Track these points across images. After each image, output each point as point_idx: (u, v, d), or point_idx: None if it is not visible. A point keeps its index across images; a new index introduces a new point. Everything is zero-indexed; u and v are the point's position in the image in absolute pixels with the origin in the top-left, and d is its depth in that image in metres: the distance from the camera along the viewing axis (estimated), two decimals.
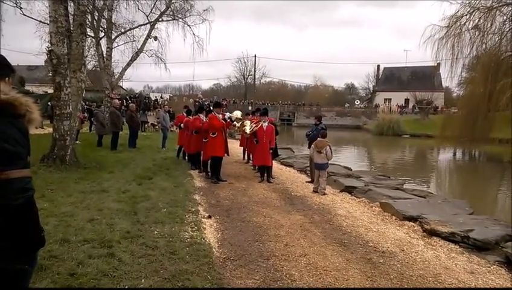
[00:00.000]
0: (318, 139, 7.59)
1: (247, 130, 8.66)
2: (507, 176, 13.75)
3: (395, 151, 24.95)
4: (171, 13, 19.52)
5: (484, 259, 4.22)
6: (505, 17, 17.36)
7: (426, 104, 43.57)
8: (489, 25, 17.43)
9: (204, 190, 7.20)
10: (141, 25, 19.62)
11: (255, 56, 51.84)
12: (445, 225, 5.03)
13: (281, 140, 13.52)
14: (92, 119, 17.61)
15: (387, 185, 8.38)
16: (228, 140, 8.71)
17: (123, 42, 20.26)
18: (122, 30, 19.65)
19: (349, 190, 7.65)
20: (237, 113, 8.88)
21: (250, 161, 10.43)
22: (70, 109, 8.40)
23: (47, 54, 8.76)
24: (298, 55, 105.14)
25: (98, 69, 20.26)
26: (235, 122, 8.59)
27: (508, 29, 17.29)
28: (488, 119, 17.57)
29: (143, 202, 5.72)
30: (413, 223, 5.47)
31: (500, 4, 17.36)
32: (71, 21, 8.56)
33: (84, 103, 18.58)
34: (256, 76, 57.44)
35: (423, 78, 50.49)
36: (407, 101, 49.81)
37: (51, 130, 9.52)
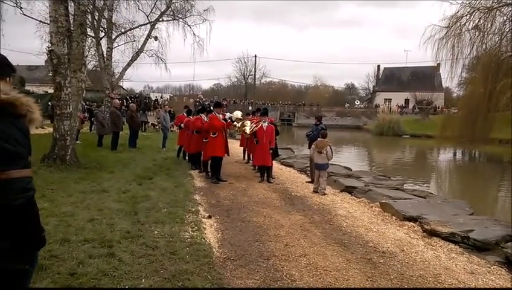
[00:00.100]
0: (318, 139, 7.60)
1: (247, 130, 8.66)
2: (507, 176, 13.76)
3: (395, 152, 24.95)
4: (171, 13, 19.54)
5: (484, 259, 4.22)
6: (505, 18, 17.36)
7: (426, 105, 43.57)
8: (489, 26, 17.44)
9: (204, 190, 7.20)
10: (141, 25, 19.66)
11: (255, 56, 52.01)
12: (445, 225, 5.02)
13: (281, 140, 13.52)
14: (92, 119, 17.64)
15: (388, 186, 8.38)
16: (228, 140, 8.72)
17: (123, 42, 20.31)
18: (123, 30, 19.68)
19: (349, 190, 7.65)
20: (237, 114, 8.89)
21: (250, 161, 10.44)
22: (71, 108, 8.40)
23: (47, 54, 8.77)
24: (298, 55, 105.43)
25: (99, 69, 20.26)
26: (235, 123, 8.59)
27: (508, 30, 17.29)
28: (488, 120, 17.57)
29: (143, 202, 5.72)
30: (413, 224, 5.47)
31: (500, 4, 17.36)
32: (71, 21, 8.57)
33: (84, 103, 18.59)
34: (257, 76, 57.61)
35: (423, 78, 50.55)
36: (407, 101, 49.83)
37: (51, 130, 9.53)
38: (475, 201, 8.80)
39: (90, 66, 20.98)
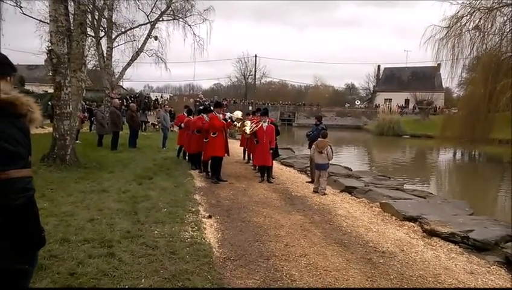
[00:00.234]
0: (319, 139, 7.60)
1: (247, 130, 8.66)
2: (507, 176, 13.76)
3: (395, 152, 24.96)
4: (171, 13, 19.52)
5: (484, 259, 4.22)
6: (505, 18, 17.36)
7: (426, 105, 43.55)
8: (489, 26, 17.44)
9: (204, 190, 7.20)
10: (141, 25, 19.65)
11: (256, 56, 51.98)
12: (445, 226, 5.03)
13: (281, 140, 13.52)
14: (92, 118, 17.63)
15: (388, 186, 8.38)
16: (228, 140, 8.72)
17: (123, 42, 20.30)
18: (123, 30, 19.67)
19: (350, 190, 7.65)
20: (238, 114, 8.89)
21: (251, 161, 10.43)
22: (71, 108, 8.40)
23: (47, 54, 8.76)
24: (298, 55, 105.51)
25: (98, 68, 20.26)
26: (235, 123, 8.60)
27: (508, 30, 17.29)
28: (488, 120, 17.57)
29: (143, 201, 5.72)
30: (413, 224, 5.47)
31: (500, 5, 17.35)
32: (71, 20, 8.56)
33: (84, 103, 18.57)
34: (257, 76, 57.60)
35: (423, 78, 50.57)
36: (407, 101, 49.83)
37: (51, 129, 9.52)
38: (475, 201, 8.81)
39: (90, 66, 21.05)
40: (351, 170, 10.68)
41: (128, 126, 13.60)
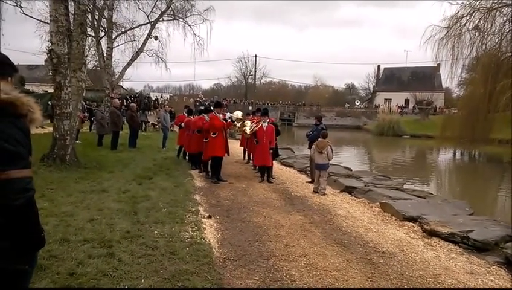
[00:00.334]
0: (319, 139, 7.60)
1: (247, 130, 8.66)
2: (507, 176, 13.76)
3: (395, 152, 24.96)
4: (171, 13, 19.53)
5: (484, 260, 4.22)
6: (505, 18, 17.38)
7: (426, 105, 43.58)
8: (489, 26, 17.47)
9: (204, 190, 7.20)
10: (142, 25, 19.66)
11: (256, 56, 51.99)
12: (445, 226, 5.03)
13: (281, 140, 13.51)
14: (92, 118, 17.63)
15: (388, 186, 8.38)
16: (229, 140, 8.72)
17: (123, 42, 20.31)
18: (123, 30, 19.68)
19: (349, 190, 7.65)
20: (238, 114, 8.89)
21: (251, 161, 10.44)
22: (71, 108, 8.40)
23: (47, 53, 8.76)
24: (298, 55, 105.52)
25: (99, 68, 20.26)
26: (235, 123, 8.59)
27: (508, 30, 17.31)
28: (488, 120, 17.58)
29: (143, 202, 5.72)
30: (413, 224, 5.47)
31: (500, 5, 17.37)
32: (71, 20, 8.56)
33: (84, 103, 18.58)
34: (257, 76, 57.61)
35: (423, 78, 50.56)
36: (407, 101, 49.85)
37: (51, 129, 9.52)
38: (475, 201, 8.81)
39: (90, 66, 21.05)
40: (351, 170, 10.68)
41: (128, 126, 13.60)
